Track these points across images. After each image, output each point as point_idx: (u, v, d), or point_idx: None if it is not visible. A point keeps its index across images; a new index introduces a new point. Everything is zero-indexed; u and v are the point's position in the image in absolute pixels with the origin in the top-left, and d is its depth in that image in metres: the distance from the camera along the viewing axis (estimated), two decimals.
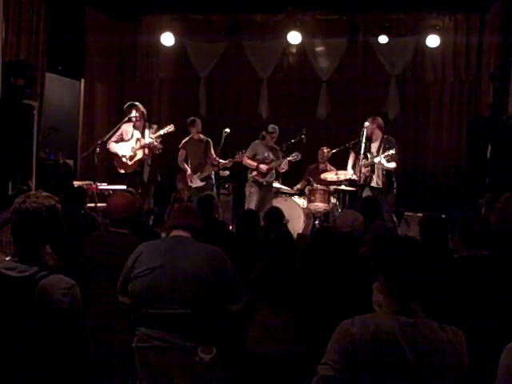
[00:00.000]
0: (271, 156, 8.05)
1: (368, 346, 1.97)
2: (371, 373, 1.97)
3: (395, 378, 1.96)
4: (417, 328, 2.01)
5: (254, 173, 8.06)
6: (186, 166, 8.18)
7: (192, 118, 8.33)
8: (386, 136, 7.51)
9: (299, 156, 8.00)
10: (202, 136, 8.16)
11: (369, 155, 7.41)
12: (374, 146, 7.47)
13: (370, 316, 2.08)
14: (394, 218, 7.51)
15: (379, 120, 7.60)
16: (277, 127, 8.13)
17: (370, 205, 5.34)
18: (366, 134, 7.36)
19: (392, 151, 7.17)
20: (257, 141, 8.17)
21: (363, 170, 7.37)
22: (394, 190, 7.50)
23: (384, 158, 7.22)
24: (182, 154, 8.25)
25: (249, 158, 8.05)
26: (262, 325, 3.60)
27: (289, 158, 7.97)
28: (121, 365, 3.49)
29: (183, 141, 8.23)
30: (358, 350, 1.97)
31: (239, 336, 3.65)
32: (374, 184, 7.44)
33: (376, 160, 7.29)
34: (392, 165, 7.30)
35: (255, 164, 8.03)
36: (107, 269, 3.55)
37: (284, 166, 8.04)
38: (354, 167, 7.70)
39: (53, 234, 2.21)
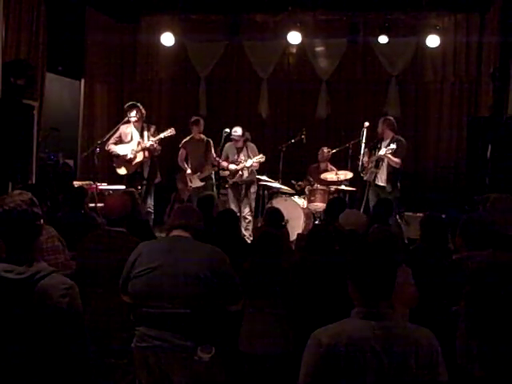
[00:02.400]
0: (241, 157, 8.05)
1: (342, 356, 1.95)
2: (348, 381, 1.96)
3: (373, 382, 1.95)
4: (389, 330, 2.00)
5: (226, 173, 8.13)
6: (186, 165, 8.16)
7: (196, 117, 8.30)
8: (396, 136, 7.53)
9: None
10: (202, 136, 8.13)
11: (376, 152, 7.46)
12: (384, 145, 7.52)
13: (341, 323, 2.06)
14: (399, 220, 7.48)
15: (389, 120, 7.64)
16: (238, 129, 8.01)
17: (384, 205, 5.36)
18: (378, 133, 7.51)
19: (393, 145, 7.19)
20: (229, 143, 8.18)
21: (369, 164, 7.47)
22: (398, 191, 7.51)
23: (387, 151, 7.26)
24: (182, 153, 8.21)
25: (223, 160, 8.10)
26: (249, 324, 3.59)
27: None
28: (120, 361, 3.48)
29: (183, 140, 8.19)
30: (332, 360, 1.96)
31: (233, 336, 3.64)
32: (378, 182, 7.47)
33: (381, 152, 7.33)
34: (396, 159, 7.30)
35: (225, 165, 8.08)
36: (106, 267, 3.55)
37: (248, 166, 7.94)
38: (364, 164, 7.68)
39: (39, 228, 2.21)
